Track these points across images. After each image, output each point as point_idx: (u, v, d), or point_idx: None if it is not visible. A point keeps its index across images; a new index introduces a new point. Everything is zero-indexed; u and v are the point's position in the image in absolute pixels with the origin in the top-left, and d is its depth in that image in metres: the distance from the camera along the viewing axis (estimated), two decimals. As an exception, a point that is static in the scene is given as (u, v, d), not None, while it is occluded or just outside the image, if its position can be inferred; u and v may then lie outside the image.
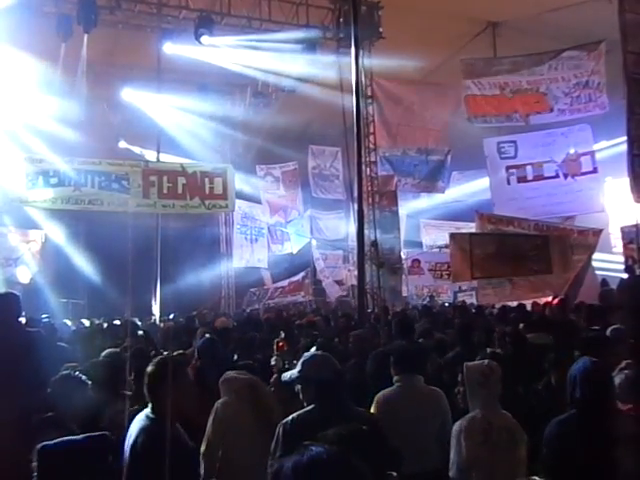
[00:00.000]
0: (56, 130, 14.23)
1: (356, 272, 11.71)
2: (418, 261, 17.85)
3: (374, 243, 13.03)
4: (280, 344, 7.31)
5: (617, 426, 3.26)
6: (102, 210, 13.61)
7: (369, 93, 14.67)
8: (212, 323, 10.88)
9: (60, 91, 14.01)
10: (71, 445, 2.90)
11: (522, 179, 15.62)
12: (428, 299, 17.09)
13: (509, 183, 15.74)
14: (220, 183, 13.92)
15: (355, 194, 10.49)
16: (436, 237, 19.85)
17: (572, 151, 15.18)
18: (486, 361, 4.08)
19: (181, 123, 17.29)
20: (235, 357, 6.19)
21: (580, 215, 15.12)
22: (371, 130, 14.67)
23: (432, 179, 15.94)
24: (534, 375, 5.33)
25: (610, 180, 15.77)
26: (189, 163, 14.90)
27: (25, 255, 17.66)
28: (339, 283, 19.96)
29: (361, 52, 10.74)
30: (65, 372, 4.82)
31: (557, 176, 15.35)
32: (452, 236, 13.23)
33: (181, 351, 6.28)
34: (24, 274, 17.29)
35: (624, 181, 11.05)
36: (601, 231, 13.22)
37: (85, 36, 12.82)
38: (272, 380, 4.82)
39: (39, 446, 2.84)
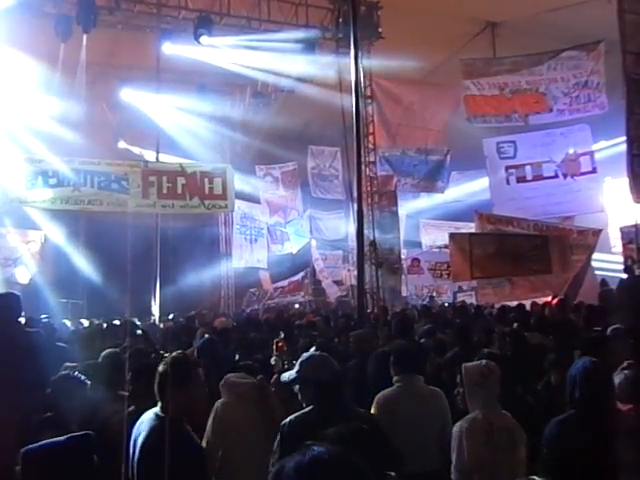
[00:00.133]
0: (55, 130, 14.23)
1: (355, 272, 11.71)
2: (418, 260, 17.84)
3: (373, 243, 13.05)
4: (279, 344, 7.32)
5: (617, 426, 3.26)
6: (101, 210, 13.64)
7: (368, 93, 14.68)
8: (211, 323, 10.87)
9: (59, 91, 14.00)
10: (54, 447, 2.89)
11: (521, 179, 15.63)
12: (428, 299, 17.09)
13: (508, 183, 15.75)
14: (220, 183, 13.94)
15: (354, 194, 10.50)
16: (435, 237, 19.85)
17: (571, 151, 15.20)
18: (484, 361, 4.07)
19: (180, 123, 17.28)
20: (237, 357, 6.18)
21: (579, 215, 15.13)
22: (370, 130, 14.68)
23: (431, 179, 15.94)
24: (534, 375, 5.33)
25: (609, 180, 15.78)
26: (188, 163, 14.92)
27: (24, 255, 17.65)
28: (338, 283, 19.97)
29: (360, 52, 10.73)
30: (64, 372, 4.82)
31: (556, 176, 15.36)
32: (452, 236, 13.24)
33: (180, 351, 6.27)
34: (23, 274, 17.28)
35: (623, 181, 11.07)
36: (600, 231, 13.24)
37: (84, 36, 12.81)
38: (273, 380, 4.81)
39: (23, 450, 2.84)
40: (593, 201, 15.18)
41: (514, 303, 11.68)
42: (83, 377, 4.53)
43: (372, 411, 4.31)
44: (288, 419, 3.54)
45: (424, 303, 15.73)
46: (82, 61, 13.64)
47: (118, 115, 17.65)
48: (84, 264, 17.97)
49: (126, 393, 4.10)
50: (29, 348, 4.91)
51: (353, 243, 12.89)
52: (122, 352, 5.50)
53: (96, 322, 13.53)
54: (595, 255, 13.15)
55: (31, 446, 2.86)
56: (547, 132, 15.44)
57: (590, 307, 9.79)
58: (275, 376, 4.87)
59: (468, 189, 18.62)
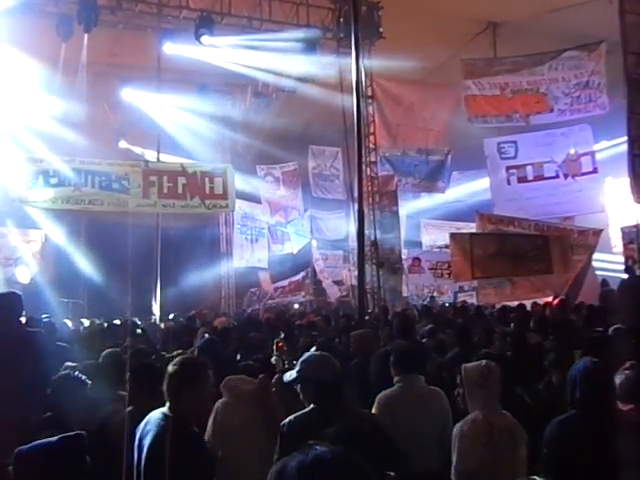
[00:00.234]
0: (56, 130, 14.23)
1: (356, 272, 11.71)
2: (419, 260, 17.82)
3: (374, 243, 13.04)
4: (280, 344, 7.32)
5: (618, 426, 3.25)
6: (102, 210, 13.64)
7: (369, 93, 14.68)
8: (212, 323, 10.88)
9: (60, 91, 14.00)
10: (46, 447, 2.89)
11: (522, 179, 15.62)
12: (429, 299, 17.09)
13: (509, 183, 15.74)
14: (220, 183, 13.93)
15: (355, 194, 10.48)
16: (436, 237, 19.84)
17: (572, 151, 15.19)
18: (484, 362, 4.05)
19: (181, 123, 17.29)
20: (238, 357, 6.18)
21: (580, 215, 15.12)
22: (371, 130, 14.67)
23: (432, 179, 15.95)
24: (534, 375, 5.33)
25: (610, 180, 15.77)
26: (189, 163, 14.92)
27: (25, 255, 17.66)
28: (338, 283, 19.96)
29: (361, 52, 10.73)
30: (64, 372, 4.82)
31: (557, 176, 15.35)
32: (452, 236, 13.25)
33: (180, 351, 6.29)
34: (24, 274, 17.29)
35: (624, 181, 11.08)
36: (601, 231, 13.24)
37: (85, 36, 12.81)
38: (273, 381, 4.81)
39: (15, 451, 2.84)
40: (594, 201, 15.17)
41: (515, 303, 11.69)
42: (83, 377, 4.53)
43: (373, 411, 4.31)
44: (287, 419, 3.54)
45: (425, 303, 15.74)
46: (83, 61, 13.64)
47: (119, 115, 17.66)
48: (85, 264, 17.97)
49: (126, 393, 4.09)
50: (30, 348, 4.90)
51: (354, 243, 12.88)
52: (122, 352, 5.51)
53: (97, 322, 13.55)
54: (596, 255, 13.15)
55: (23, 447, 2.87)
56: (548, 132, 15.43)
57: (590, 307, 9.81)
58: (276, 376, 4.87)
59: (469, 189, 18.61)
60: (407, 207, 18.21)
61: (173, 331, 10.02)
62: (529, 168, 15.58)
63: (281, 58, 14.57)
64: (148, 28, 14.10)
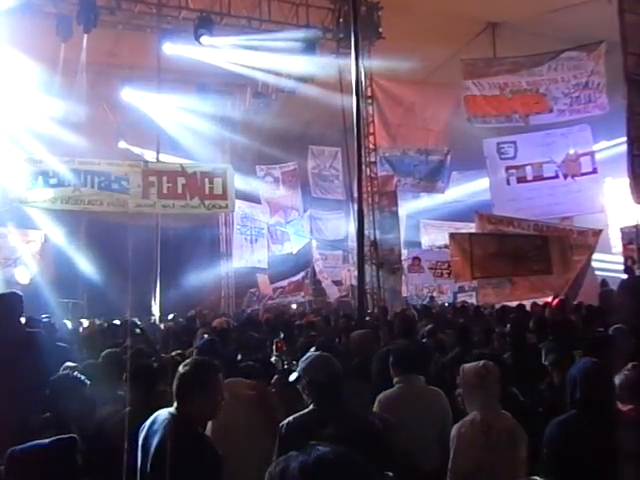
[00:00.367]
0: (56, 131, 14.23)
1: (356, 272, 11.71)
2: (418, 259, 17.80)
3: (374, 243, 13.05)
4: (279, 345, 7.33)
5: (618, 427, 3.25)
6: (102, 210, 13.64)
7: (369, 93, 14.68)
8: (211, 323, 10.87)
9: (60, 92, 14.00)
10: (39, 449, 2.89)
11: (522, 179, 15.63)
12: (428, 299, 17.09)
13: (509, 183, 15.75)
14: (220, 183, 13.94)
15: (355, 194, 10.48)
16: (436, 237, 19.85)
17: (572, 151, 15.19)
18: (482, 362, 4.05)
19: (181, 123, 17.29)
20: (239, 357, 6.17)
21: (580, 215, 15.13)
22: (371, 130, 14.68)
23: (432, 179, 15.96)
24: (534, 376, 5.32)
25: (610, 180, 15.77)
26: (189, 163, 14.92)
27: (25, 255, 17.63)
28: (337, 284, 19.96)
29: (361, 52, 10.73)
30: (64, 372, 4.82)
31: (557, 176, 15.35)
32: (452, 236, 13.25)
33: (180, 351, 6.28)
34: (24, 274, 17.27)
35: (624, 181, 11.09)
36: (601, 231, 13.24)
37: (85, 36, 12.82)
38: (273, 381, 4.82)
39: (8, 450, 2.85)
40: (593, 201, 15.17)
41: (514, 303, 11.70)
42: (82, 377, 4.53)
43: (373, 410, 4.31)
44: (286, 420, 3.54)
45: (424, 303, 15.74)
46: (83, 61, 13.65)
47: (119, 115, 17.65)
48: (84, 264, 17.96)
49: (121, 392, 4.10)
50: (30, 348, 4.90)
51: (353, 243, 12.89)
52: (122, 352, 5.50)
53: (97, 322, 13.55)
54: (595, 255, 13.15)
55: (16, 447, 2.87)
56: (547, 132, 15.44)
57: (590, 307, 9.81)
58: (275, 377, 4.87)
59: (468, 189, 18.61)
60: (407, 207, 18.22)
61: (173, 331, 10.01)
62: (528, 168, 15.58)
63: (281, 58, 14.57)
64: (147, 28, 14.10)
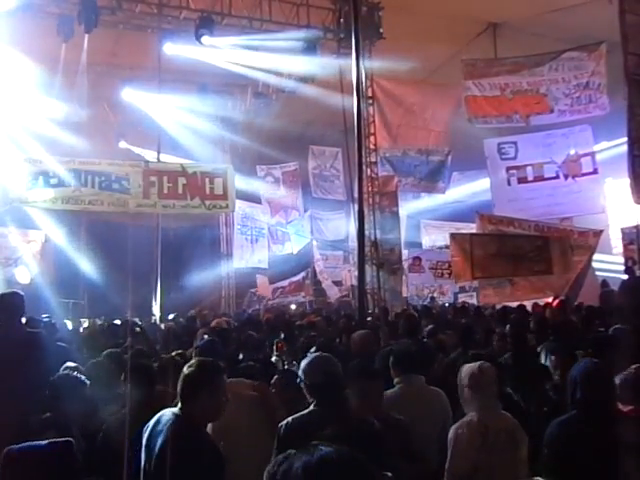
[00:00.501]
0: (57, 130, 14.24)
1: (356, 273, 11.70)
2: (419, 259, 17.80)
3: (374, 244, 13.04)
4: (279, 345, 7.34)
5: (618, 427, 3.25)
6: (102, 210, 13.64)
7: (370, 94, 14.67)
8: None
9: (61, 92, 14.00)
10: (35, 450, 2.90)
11: (522, 180, 15.61)
12: (429, 300, 17.09)
13: (509, 184, 15.73)
14: (220, 183, 13.93)
15: (355, 195, 10.48)
16: (436, 238, 19.85)
17: (572, 152, 15.18)
18: (477, 363, 4.05)
19: (182, 123, 17.30)
20: (241, 357, 6.17)
21: (581, 216, 15.12)
22: (372, 131, 14.66)
23: (432, 179, 15.94)
24: (535, 376, 5.32)
25: (610, 181, 15.77)
26: (189, 163, 14.91)
27: (25, 255, 17.64)
28: (338, 284, 19.96)
29: (362, 53, 10.73)
30: (64, 372, 4.82)
31: (557, 177, 15.34)
32: (452, 236, 13.24)
33: (181, 351, 6.29)
34: (24, 274, 17.28)
35: (624, 182, 11.08)
36: (601, 232, 13.23)
37: (86, 36, 12.82)
38: (273, 381, 4.81)
39: (5, 449, 2.85)
40: (594, 202, 15.16)
41: (515, 304, 11.70)
42: (82, 377, 4.53)
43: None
44: (285, 421, 3.54)
45: (425, 303, 15.75)
46: (83, 61, 13.65)
47: (119, 115, 17.66)
48: (85, 264, 17.98)
49: (125, 393, 4.10)
50: (31, 348, 4.90)
51: (354, 244, 12.88)
52: (123, 352, 5.51)
53: (98, 322, 13.56)
54: (596, 256, 13.14)
55: (13, 447, 2.88)
56: (548, 133, 15.42)
57: (590, 308, 9.81)
58: (275, 377, 4.87)
59: (469, 190, 18.61)
60: (407, 207, 18.22)
61: (173, 332, 10.01)
62: (529, 169, 15.57)
63: (281, 58, 14.58)
64: (148, 28, 14.10)
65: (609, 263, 14.99)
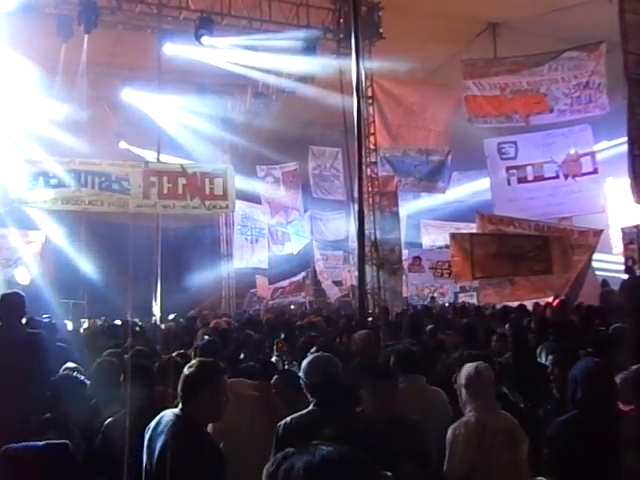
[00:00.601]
0: (56, 131, 14.24)
1: (356, 273, 11.70)
2: (419, 259, 17.79)
3: (374, 244, 13.04)
4: (279, 345, 7.34)
5: (619, 427, 3.25)
6: (102, 211, 13.64)
7: (369, 94, 14.67)
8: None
9: (60, 92, 14.01)
10: (32, 450, 2.91)
11: (522, 180, 15.61)
12: (429, 300, 17.08)
13: (509, 184, 15.73)
14: (220, 184, 13.93)
15: (355, 195, 10.49)
16: (436, 237, 19.85)
17: (572, 152, 15.17)
18: (474, 364, 4.04)
19: (181, 124, 17.30)
20: (242, 356, 6.17)
21: (581, 216, 15.11)
22: (372, 131, 14.67)
23: (432, 179, 15.93)
24: (536, 376, 5.32)
25: (610, 181, 15.77)
26: (189, 164, 14.91)
27: (25, 256, 17.64)
28: (338, 284, 19.96)
29: (361, 53, 10.72)
30: (64, 373, 4.82)
31: (557, 177, 15.33)
32: (453, 236, 13.24)
33: (182, 351, 6.29)
34: (24, 275, 17.28)
35: (625, 182, 11.06)
36: (601, 232, 13.23)
37: (85, 37, 12.83)
38: (272, 381, 4.81)
39: (2, 448, 2.86)
40: (594, 202, 15.15)
41: (515, 303, 11.69)
42: (82, 377, 4.53)
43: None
44: (284, 421, 3.53)
45: (425, 303, 15.74)
46: (83, 61, 13.66)
47: (119, 115, 17.66)
48: (85, 265, 17.98)
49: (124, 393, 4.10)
50: (32, 349, 4.90)
51: (354, 244, 12.88)
52: (123, 353, 5.51)
53: (99, 322, 13.57)
54: (596, 256, 13.14)
55: (11, 446, 2.89)
56: (548, 133, 15.42)
57: (590, 308, 9.81)
58: (275, 377, 4.87)
59: (469, 189, 18.61)
60: (407, 207, 18.21)
61: (173, 332, 10.02)
62: (529, 168, 15.56)
63: (281, 59, 14.58)
64: (148, 29, 14.10)
65: (609, 263, 14.99)
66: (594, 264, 13.25)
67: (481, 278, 12.87)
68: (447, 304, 16.41)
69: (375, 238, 13.24)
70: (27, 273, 17.18)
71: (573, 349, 5.20)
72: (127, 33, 14.02)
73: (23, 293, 5.39)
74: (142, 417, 3.51)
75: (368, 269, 11.87)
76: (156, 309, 14.95)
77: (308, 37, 14.24)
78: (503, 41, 15.26)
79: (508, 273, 12.30)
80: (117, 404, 4.19)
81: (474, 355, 4.59)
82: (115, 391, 4.47)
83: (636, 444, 3.09)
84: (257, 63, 14.78)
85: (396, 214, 14.86)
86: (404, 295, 15.77)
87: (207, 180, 13.88)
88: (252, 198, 20.01)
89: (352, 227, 13.94)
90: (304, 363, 3.72)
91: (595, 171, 15.09)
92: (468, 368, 4.00)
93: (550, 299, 11.85)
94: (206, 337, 7.26)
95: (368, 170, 14.07)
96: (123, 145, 18.12)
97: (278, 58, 14.53)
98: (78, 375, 4.61)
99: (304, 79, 15.55)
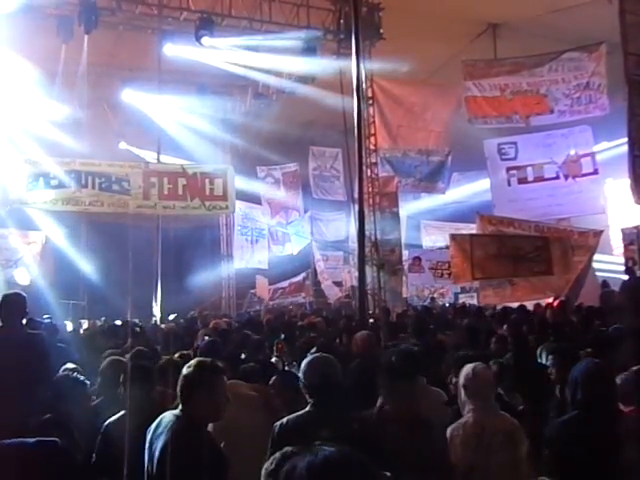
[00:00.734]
0: (57, 132, 14.24)
1: (356, 273, 11.70)
2: (419, 259, 17.79)
3: (375, 244, 13.04)
4: (279, 345, 7.35)
5: (619, 428, 3.25)
6: (102, 211, 13.64)
7: (370, 94, 14.67)
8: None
9: (61, 93, 14.01)
10: (21, 447, 2.91)
11: (522, 180, 15.61)
12: (429, 300, 17.08)
13: (509, 184, 15.73)
14: (220, 184, 13.93)
15: (356, 195, 10.49)
16: (436, 238, 19.85)
17: (572, 152, 15.17)
18: (472, 365, 4.04)
19: (182, 124, 17.30)
20: (243, 356, 6.18)
21: (581, 216, 15.11)
22: (372, 131, 14.66)
23: (432, 180, 15.92)
24: (536, 377, 5.32)
25: (611, 181, 15.77)
26: (189, 164, 14.92)
27: (25, 256, 17.64)
28: (338, 285, 19.95)
29: (362, 53, 10.73)
30: (64, 373, 4.82)
31: (557, 177, 15.33)
32: (453, 237, 13.22)
33: (185, 352, 6.28)
34: (24, 275, 17.28)
35: (625, 182, 11.06)
36: (601, 232, 13.22)
37: (86, 37, 12.83)
38: (271, 382, 4.81)
39: None
40: (594, 202, 15.15)
41: (516, 304, 11.68)
42: (82, 378, 4.53)
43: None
44: (280, 421, 3.53)
45: (425, 304, 15.74)
46: (83, 62, 13.65)
47: (119, 116, 17.67)
48: (85, 265, 17.97)
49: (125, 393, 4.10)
50: (32, 349, 4.90)
51: (354, 244, 12.86)
52: (122, 353, 5.50)
53: (99, 323, 13.56)
54: (596, 256, 13.13)
55: (2, 441, 2.90)
56: (548, 133, 15.42)
57: (590, 308, 9.81)
58: (274, 377, 4.87)
59: (469, 190, 18.62)
60: (407, 208, 18.20)
61: (174, 332, 10.02)
62: (529, 169, 15.56)
63: (281, 59, 14.59)
64: (148, 29, 14.11)
65: (609, 263, 14.98)
66: (594, 265, 13.24)
67: (481, 279, 12.86)
68: (447, 305, 16.41)
69: (375, 239, 13.22)
70: (27, 274, 17.18)
71: (572, 350, 5.20)
72: (127, 34, 14.02)
73: (24, 294, 5.39)
74: (142, 417, 3.51)
75: (368, 270, 11.86)
76: (156, 310, 14.94)
77: (308, 38, 14.25)
78: (503, 42, 15.26)
79: (508, 274, 12.29)
80: (119, 404, 4.19)
81: (470, 356, 4.59)
82: (115, 391, 4.47)
83: (636, 445, 3.09)
84: (257, 64, 14.79)
85: (396, 215, 14.85)
86: (404, 296, 15.77)
87: (207, 181, 13.88)
88: (252, 199, 20.01)
89: (352, 228, 13.93)
90: (303, 364, 3.72)
91: (595, 172, 15.09)
92: (466, 369, 4.00)
93: (550, 300, 11.84)
94: (206, 338, 7.27)
95: (368, 171, 14.07)
96: (123, 146, 18.12)
97: (278, 59, 14.54)
98: (78, 375, 4.60)
99: (304, 80, 15.56)
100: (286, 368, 6.37)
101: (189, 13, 13.69)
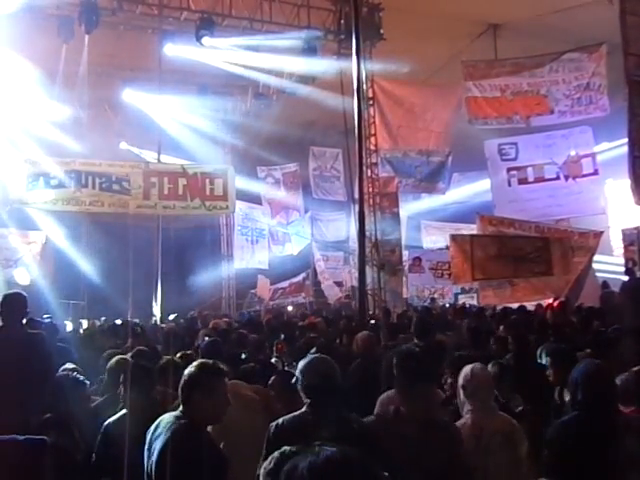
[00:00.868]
0: (57, 132, 14.24)
1: (357, 274, 11.70)
2: (419, 259, 17.79)
3: (375, 244, 13.04)
4: (279, 346, 7.35)
5: (619, 428, 3.25)
6: (103, 211, 13.65)
7: (370, 95, 14.67)
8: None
9: (61, 93, 14.02)
10: (10, 442, 2.92)
11: (523, 181, 15.61)
12: (429, 300, 17.08)
13: (510, 185, 15.73)
14: (221, 184, 13.94)
15: (356, 195, 10.50)
16: (436, 239, 19.85)
17: (573, 153, 15.17)
18: (470, 366, 4.03)
19: (182, 124, 17.31)
20: (244, 356, 6.17)
21: (581, 217, 15.11)
22: (372, 132, 14.65)
23: (433, 180, 15.92)
24: (537, 377, 5.32)
25: (611, 182, 15.77)
26: (190, 164, 14.92)
27: (25, 256, 17.63)
28: (338, 284, 19.95)
29: (362, 54, 10.74)
30: (64, 373, 4.82)
31: (558, 178, 15.33)
32: (453, 237, 13.22)
33: (188, 352, 6.28)
34: (24, 275, 17.28)
35: (625, 183, 11.07)
36: (602, 233, 13.22)
37: (86, 37, 12.84)
38: (270, 382, 4.81)
39: None
40: (594, 203, 15.16)
41: (516, 305, 11.68)
42: (82, 377, 4.53)
43: (375, 412, 4.30)
44: (276, 422, 3.52)
45: (425, 304, 15.73)
46: (84, 62, 13.66)
47: (120, 116, 17.67)
48: (85, 265, 17.97)
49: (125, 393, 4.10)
50: (32, 349, 4.90)
51: (354, 244, 12.88)
52: (124, 353, 5.50)
53: (99, 323, 13.56)
54: (596, 257, 13.12)
55: None
56: (548, 134, 15.42)
57: (590, 309, 9.81)
58: (272, 378, 4.86)
59: (469, 190, 18.62)
60: (407, 208, 18.20)
61: (174, 332, 10.02)
62: (530, 170, 15.56)
63: (282, 59, 14.60)
64: (149, 29, 14.11)
65: (609, 264, 14.98)
66: (594, 266, 13.23)
67: (481, 280, 12.86)
68: (447, 305, 16.41)
69: (376, 239, 13.23)
70: (27, 274, 17.17)
71: (570, 351, 5.20)
72: (128, 34, 14.03)
73: (25, 294, 5.39)
74: (142, 417, 3.51)
75: (368, 270, 11.87)
76: (156, 310, 14.95)
77: (309, 38, 14.24)
78: (504, 42, 15.26)
79: (508, 275, 12.29)
80: (118, 404, 4.19)
81: (467, 357, 4.59)
82: (115, 391, 4.47)
83: (637, 446, 3.09)
84: (258, 64, 14.79)
85: (396, 215, 14.86)
86: (404, 296, 15.76)
87: (207, 181, 13.89)
88: (252, 199, 20.02)
89: (352, 228, 13.94)
90: (301, 364, 3.71)
91: (595, 172, 15.09)
92: (465, 370, 4.00)
93: (550, 300, 11.84)
94: (207, 338, 7.26)
95: (368, 171, 14.06)
96: (124, 146, 18.13)
97: (279, 59, 14.55)
98: (78, 375, 4.60)
99: (305, 80, 15.56)
100: (286, 368, 6.37)
101: (189, 13, 13.69)
